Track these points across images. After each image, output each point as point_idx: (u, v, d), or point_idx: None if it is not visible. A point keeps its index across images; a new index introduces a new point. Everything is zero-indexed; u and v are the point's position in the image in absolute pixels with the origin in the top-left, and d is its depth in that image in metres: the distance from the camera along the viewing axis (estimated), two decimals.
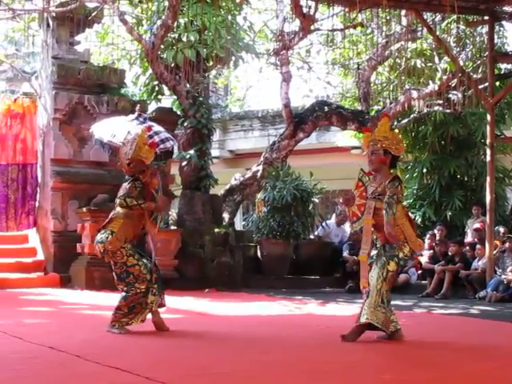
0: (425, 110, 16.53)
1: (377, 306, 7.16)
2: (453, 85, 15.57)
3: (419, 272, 15.18)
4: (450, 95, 15.99)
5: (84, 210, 13.78)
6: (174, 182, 15.91)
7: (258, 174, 16.26)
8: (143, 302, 7.66)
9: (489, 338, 8.15)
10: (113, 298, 11.34)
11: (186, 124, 15.42)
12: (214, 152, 20.78)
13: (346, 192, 20.07)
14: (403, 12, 15.65)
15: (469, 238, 15.51)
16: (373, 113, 16.86)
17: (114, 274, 7.76)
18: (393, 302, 7.95)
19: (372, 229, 7.45)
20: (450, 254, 14.11)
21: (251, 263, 15.38)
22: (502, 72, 16.49)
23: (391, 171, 7.47)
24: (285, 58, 16.26)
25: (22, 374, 5.31)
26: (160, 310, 7.93)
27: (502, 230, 14.73)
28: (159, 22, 14.87)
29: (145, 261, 7.70)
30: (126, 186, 7.77)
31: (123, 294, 7.66)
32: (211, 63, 16.30)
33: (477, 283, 13.57)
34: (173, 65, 15.42)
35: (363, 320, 7.21)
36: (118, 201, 7.73)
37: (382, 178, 7.31)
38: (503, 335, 8.52)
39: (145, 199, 7.68)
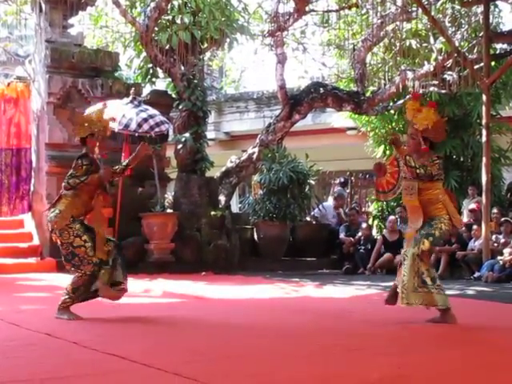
0: (420, 91, 16.47)
1: (417, 288, 7.15)
2: (448, 65, 15.53)
3: None
4: (446, 75, 15.94)
5: None
6: (170, 165, 15.89)
7: (254, 156, 16.24)
8: (89, 286, 7.51)
9: (485, 319, 8.15)
10: None
11: (180, 107, 15.38)
12: (210, 134, 20.71)
13: (343, 172, 19.96)
14: None
15: (465, 219, 15.50)
16: (368, 94, 16.82)
17: (62, 254, 7.62)
18: (390, 284, 7.96)
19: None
20: None
21: (248, 246, 15.39)
22: (498, 52, 16.43)
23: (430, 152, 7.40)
24: (280, 39, 16.20)
25: (18, 362, 5.29)
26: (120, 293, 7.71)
27: (495, 210, 14.70)
28: (153, 5, 14.83)
29: (92, 244, 7.43)
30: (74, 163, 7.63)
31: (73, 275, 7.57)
32: (206, 45, 16.26)
33: (473, 264, 13.61)
34: (167, 47, 15.38)
35: (403, 304, 7.19)
36: (63, 183, 7.62)
37: (421, 159, 7.29)
38: (499, 317, 8.53)
39: (93, 173, 7.51)
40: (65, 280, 12.05)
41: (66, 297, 7.50)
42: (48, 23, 14.80)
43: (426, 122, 7.29)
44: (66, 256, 7.51)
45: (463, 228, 14.49)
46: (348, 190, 19.31)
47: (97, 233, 7.49)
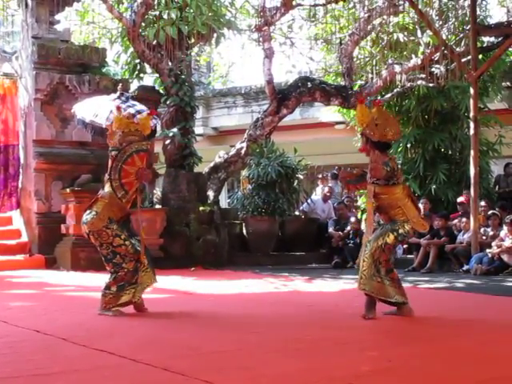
0: (408, 84, 16.49)
1: (372, 276, 7.16)
2: (436, 58, 15.54)
3: (405, 246, 15.23)
4: (433, 69, 15.95)
5: (68, 190, 13.72)
6: (158, 160, 15.85)
7: (242, 151, 16.22)
8: (133, 281, 7.59)
9: (473, 312, 8.19)
10: (99, 279, 11.33)
11: (168, 102, 15.34)
12: (198, 129, 20.69)
13: (332, 167, 19.97)
14: None
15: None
16: (356, 88, 16.82)
17: (100, 255, 7.69)
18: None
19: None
20: (435, 227, 14.15)
21: (237, 241, 15.37)
22: (485, 45, 16.47)
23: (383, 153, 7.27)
24: (267, 33, 16.17)
25: (7, 358, 5.29)
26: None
27: (483, 203, 14.73)
28: (139, 0, 14.77)
29: (132, 241, 7.61)
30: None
31: (112, 274, 7.60)
32: (193, 40, 16.22)
33: (462, 257, 13.64)
34: (154, 43, 15.34)
35: (361, 289, 7.24)
36: (106, 178, 7.67)
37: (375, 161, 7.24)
38: (488, 309, 8.56)
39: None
40: (53, 276, 12.12)
41: (111, 296, 7.54)
42: (34, 19, 14.74)
43: (360, 120, 7.29)
44: (107, 256, 7.58)
45: (453, 221, 14.54)
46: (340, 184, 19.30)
47: (141, 238, 7.66)
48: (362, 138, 7.39)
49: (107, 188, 7.62)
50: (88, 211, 7.60)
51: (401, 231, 7.23)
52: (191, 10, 15.36)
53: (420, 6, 15.30)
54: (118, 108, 8.07)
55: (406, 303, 7.27)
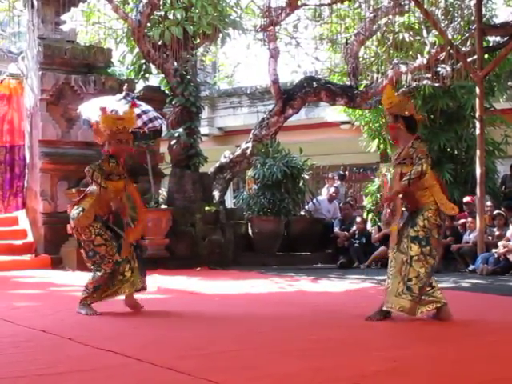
0: (413, 84, 16.47)
1: (401, 294, 6.96)
2: (441, 58, 15.51)
3: None
4: (439, 69, 15.92)
5: (73, 190, 13.72)
6: (164, 160, 15.87)
7: (248, 152, 16.22)
8: (109, 283, 7.61)
9: (479, 312, 8.17)
10: None
11: (174, 102, 15.35)
12: (203, 130, 20.68)
13: (337, 167, 19.95)
14: None
15: None
16: (361, 88, 16.81)
17: (82, 251, 7.70)
18: (385, 277, 7.94)
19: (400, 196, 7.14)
20: None
21: (242, 241, 15.37)
22: (491, 44, 16.42)
23: (412, 134, 7.12)
24: (272, 33, 16.18)
25: (13, 358, 5.29)
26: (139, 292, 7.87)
27: (489, 203, 14.70)
28: (145, 0, 14.78)
29: (114, 243, 7.56)
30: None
31: (92, 273, 7.65)
32: (198, 40, 16.23)
33: (468, 256, 13.62)
34: (160, 43, 15.35)
35: (385, 308, 7.06)
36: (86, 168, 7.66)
37: (403, 142, 7.11)
38: (493, 309, 8.54)
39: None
40: (59, 276, 12.13)
41: (86, 294, 7.61)
42: (40, 20, 14.77)
43: (388, 99, 7.24)
44: (88, 253, 7.61)
45: (459, 221, 14.51)
46: (345, 184, 19.38)
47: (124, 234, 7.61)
48: (389, 117, 7.24)
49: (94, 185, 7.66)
50: (76, 207, 7.63)
51: (421, 234, 6.94)
52: (196, 10, 15.38)
53: (426, 6, 15.27)
54: (103, 109, 7.97)
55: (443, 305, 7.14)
